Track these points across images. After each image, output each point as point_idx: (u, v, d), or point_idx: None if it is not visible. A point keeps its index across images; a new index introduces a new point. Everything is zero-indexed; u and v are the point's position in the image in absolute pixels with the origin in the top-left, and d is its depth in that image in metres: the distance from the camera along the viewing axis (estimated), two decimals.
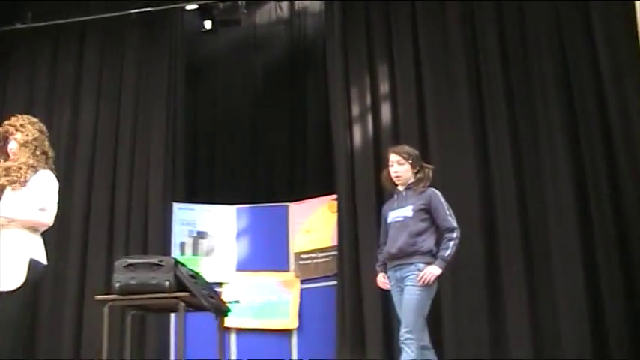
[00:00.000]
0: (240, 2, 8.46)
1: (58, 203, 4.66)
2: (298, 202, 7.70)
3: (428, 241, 4.92)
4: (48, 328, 7.47)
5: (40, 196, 4.52)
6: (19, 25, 8.25)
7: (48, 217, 4.57)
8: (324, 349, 6.86)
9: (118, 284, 4.43)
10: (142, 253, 7.19)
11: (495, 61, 6.92)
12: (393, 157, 5.11)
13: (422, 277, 4.78)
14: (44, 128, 4.82)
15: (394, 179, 5.12)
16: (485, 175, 6.74)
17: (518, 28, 6.95)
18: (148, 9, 8.10)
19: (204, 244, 7.65)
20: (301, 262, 7.42)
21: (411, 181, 5.09)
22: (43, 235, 4.62)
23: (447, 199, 5.02)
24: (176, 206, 7.68)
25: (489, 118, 6.84)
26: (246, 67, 9.79)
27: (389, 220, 5.10)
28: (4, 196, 4.49)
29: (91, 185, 7.85)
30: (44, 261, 4.52)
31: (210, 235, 7.67)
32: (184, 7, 8.35)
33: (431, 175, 5.12)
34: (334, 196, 7.23)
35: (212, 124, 9.70)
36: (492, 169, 6.73)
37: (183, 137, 8.24)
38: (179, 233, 7.63)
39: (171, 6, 8.19)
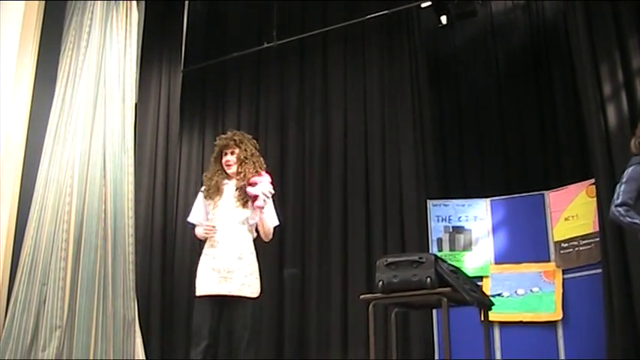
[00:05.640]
0: None
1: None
2: (555, 190, 7.45)
3: None
4: (316, 329, 7.82)
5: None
6: (266, 44, 8.78)
7: None
8: (591, 341, 6.58)
9: (380, 283, 4.53)
10: (401, 252, 7.32)
11: None
12: None
13: None
14: (257, 145, 5.18)
15: None
16: None
17: None
18: (385, 11, 8.26)
19: (461, 239, 7.63)
20: (562, 251, 7.16)
21: None
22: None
23: None
24: (430, 203, 7.74)
25: None
26: (488, 57, 9.68)
27: None
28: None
29: (346, 191, 8.14)
30: None
31: (466, 230, 7.65)
32: (419, 5, 8.40)
33: None
34: (592, 180, 6.91)
35: (459, 119, 9.69)
36: None
37: (432, 134, 8.28)
38: (435, 230, 7.69)
39: (407, 6, 8.27)
